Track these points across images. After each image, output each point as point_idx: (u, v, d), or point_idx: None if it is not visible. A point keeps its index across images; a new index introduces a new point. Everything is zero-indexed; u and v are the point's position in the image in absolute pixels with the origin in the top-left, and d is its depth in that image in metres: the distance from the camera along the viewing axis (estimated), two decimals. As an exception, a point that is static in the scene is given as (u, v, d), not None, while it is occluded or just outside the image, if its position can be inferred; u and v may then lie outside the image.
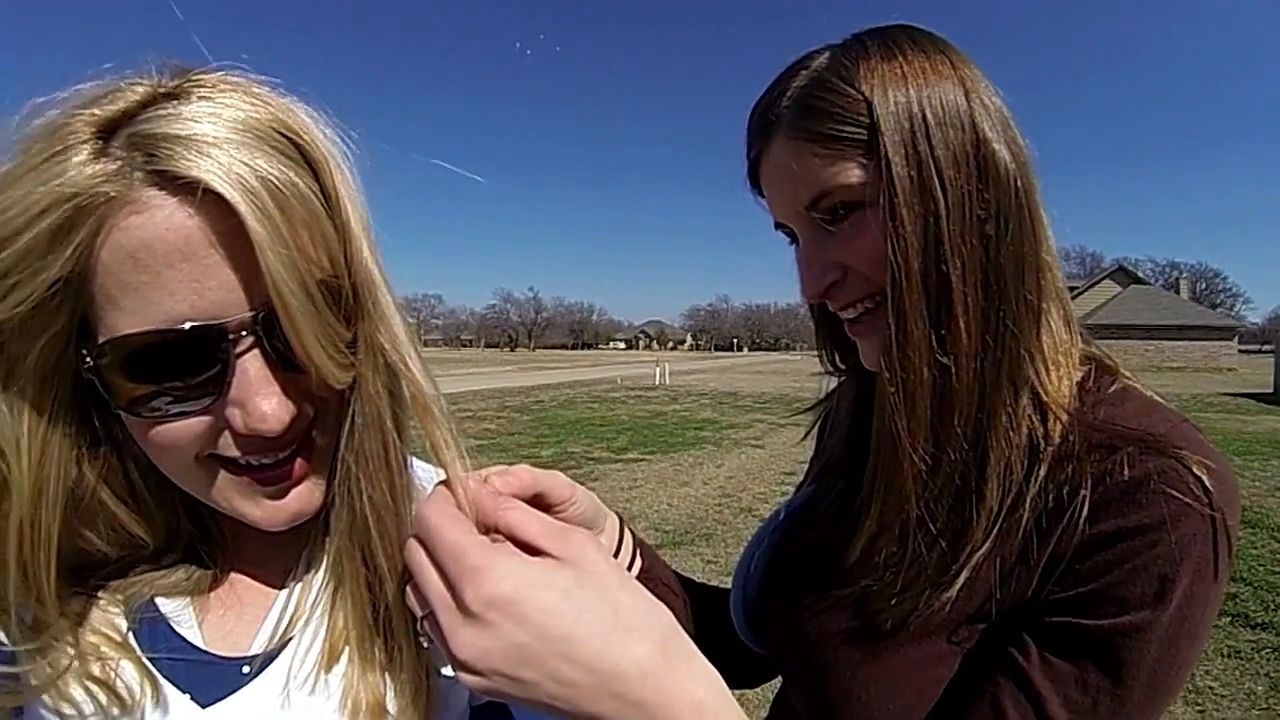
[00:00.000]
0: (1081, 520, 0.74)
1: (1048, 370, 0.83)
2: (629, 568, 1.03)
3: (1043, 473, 0.79)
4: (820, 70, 0.85)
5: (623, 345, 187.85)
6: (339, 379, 0.67)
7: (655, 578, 1.08)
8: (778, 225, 0.94)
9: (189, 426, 0.65)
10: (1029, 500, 0.78)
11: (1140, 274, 67.47)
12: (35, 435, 0.64)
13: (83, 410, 0.68)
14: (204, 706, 0.72)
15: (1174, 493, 0.71)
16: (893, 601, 0.83)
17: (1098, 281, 59.75)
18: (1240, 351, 57.96)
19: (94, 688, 0.69)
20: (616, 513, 1.03)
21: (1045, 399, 0.82)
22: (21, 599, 0.67)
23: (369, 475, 0.70)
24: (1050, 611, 0.75)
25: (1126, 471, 0.73)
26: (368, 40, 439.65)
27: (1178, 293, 62.74)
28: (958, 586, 0.80)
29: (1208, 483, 0.71)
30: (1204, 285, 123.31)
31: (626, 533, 1.03)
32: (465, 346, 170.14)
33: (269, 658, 0.75)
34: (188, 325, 0.61)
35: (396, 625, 0.74)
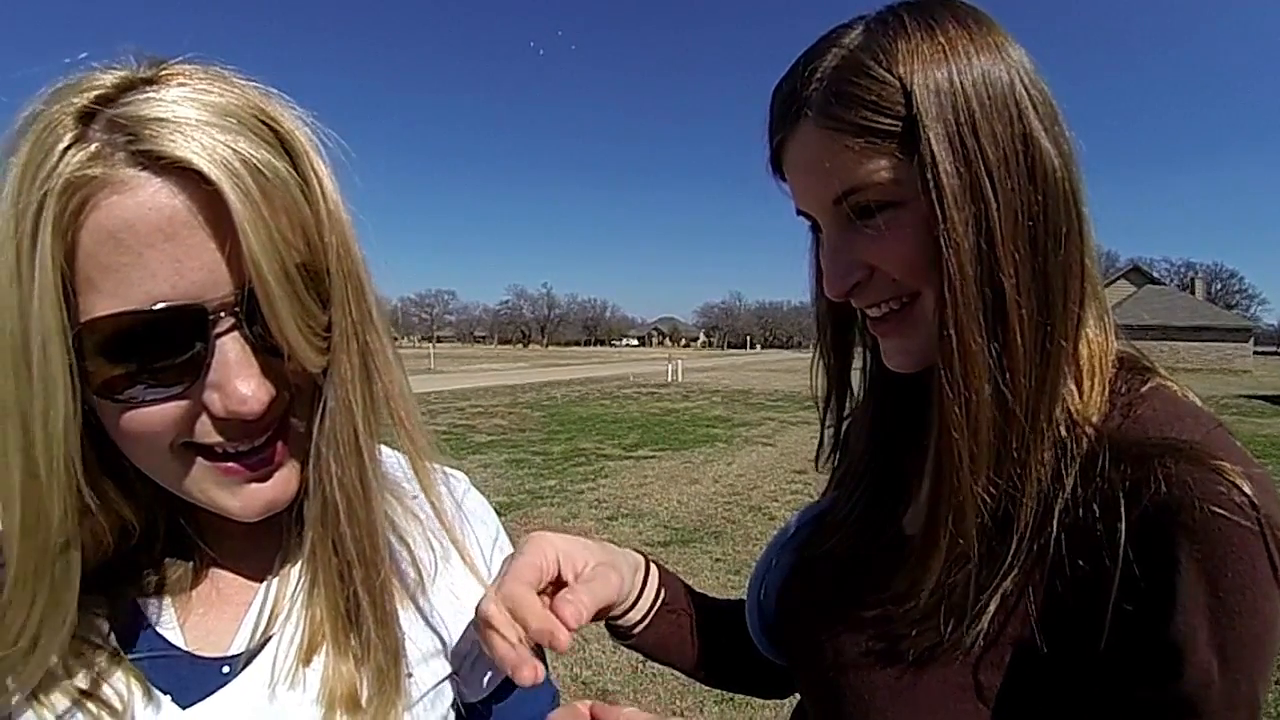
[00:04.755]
0: (1122, 543, 0.68)
1: (1081, 381, 0.78)
2: (652, 604, 1.03)
3: (1069, 485, 0.74)
4: (854, 50, 0.77)
5: (636, 342, 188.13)
6: (315, 362, 0.67)
7: (678, 609, 1.07)
8: (800, 212, 0.88)
9: (165, 412, 0.64)
10: (1056, 515, 0.73)
11: (1155, 274, 67.36)
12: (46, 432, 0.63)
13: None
14: (184, 707, 0.71)
15: (1222, 511, 0.65)
16: (913, 631, 0.79)
17: (1112, 281, 59.46)
18: (1255, 353, 57.58)
19: (75, 692, 0.68)
20: (641, 552, 1.04)
21: (1075, 412, 0.77)
22: (50, 613, 0.65)
23: (340, 460, 0.70)
24: (1121, 676, 0.69)
25: (1164, 486, 0.67)
26: (374, 39, 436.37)
27: (1193, 293, 62.28)
28: (987, 617, 0.75)
29: (1251, 494, 0.65)
30: (1219, 286, 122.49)
31: (653, 570, 1.04)
32: (478, 342, 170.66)
33: (250, 656, 0.74)
34: (168, 305, 0.60)
35: (366, 613, 0.74)
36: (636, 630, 1.02)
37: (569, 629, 0.74)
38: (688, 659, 1.09)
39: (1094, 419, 0.76)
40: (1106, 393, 0.79)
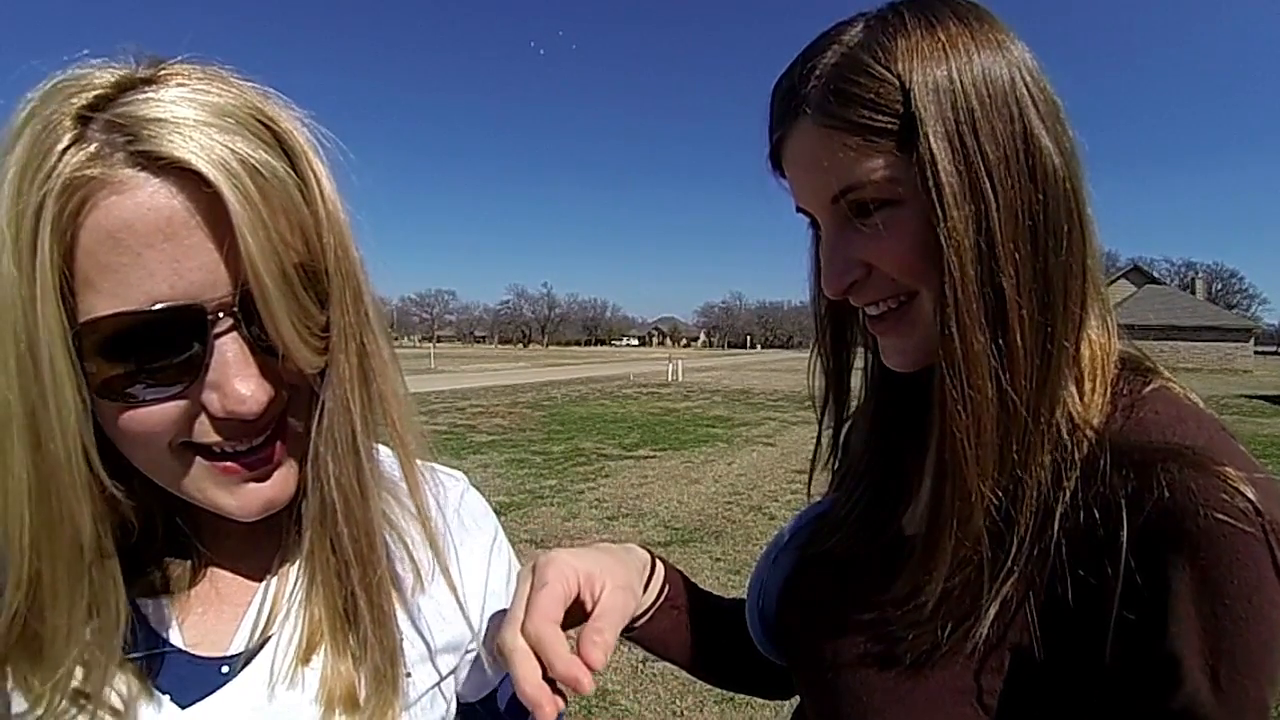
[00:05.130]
0: (1124, 551, 0.67)
1: (1082, 383, 0.77)
2: (655, 600, 1.03)
3: (1070, 488, 0.73)
4: (853, 48, 0.77)
5: (636, 342, 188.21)
6: (313, 363, 0.67)
7: (679, 605, 1.07)
8: (799, 209, 0.88)
9: (164, 412, 0.64)
10: (1057, 519, 0.72)
11: (1156, 274, 67.45)
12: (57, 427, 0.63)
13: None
14: (183, 707, 0.71)
15: (1225, 518, 0.64)
16: (910, 635, 0.78)
17: (1113, 281, 59.33)
18: (1256, 353, 57.53)
19: (74, 692, 0.68)
20: (647, 549, 1.05)
21: (1076, 415, 0.76)
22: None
23: (338, 459, 0.71)
24: (1125, 686, 0.68)
25: (1167, 493, 0.66)
26: (377, 38, 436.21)
27: (1193, 293, 62.33)
28: (987, 621, 0.74)
29: (1255, 499, 0.64)
30: (1220, 286, 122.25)
31: (658, 567, 1.05)
32: (479, 342, 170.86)
33: (249, 656, 0.75)
34: (166, 306, 0.60)
35: (363, 612, 0.75)
36: (637, 624, 1.02)
37: (594, 670, 0.72)
38: (688, 656, 1.09)
39: (1095, 421, 0.76)
40: (1108, 394, 0.78)
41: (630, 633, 1.03)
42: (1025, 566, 0.73)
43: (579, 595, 0.82)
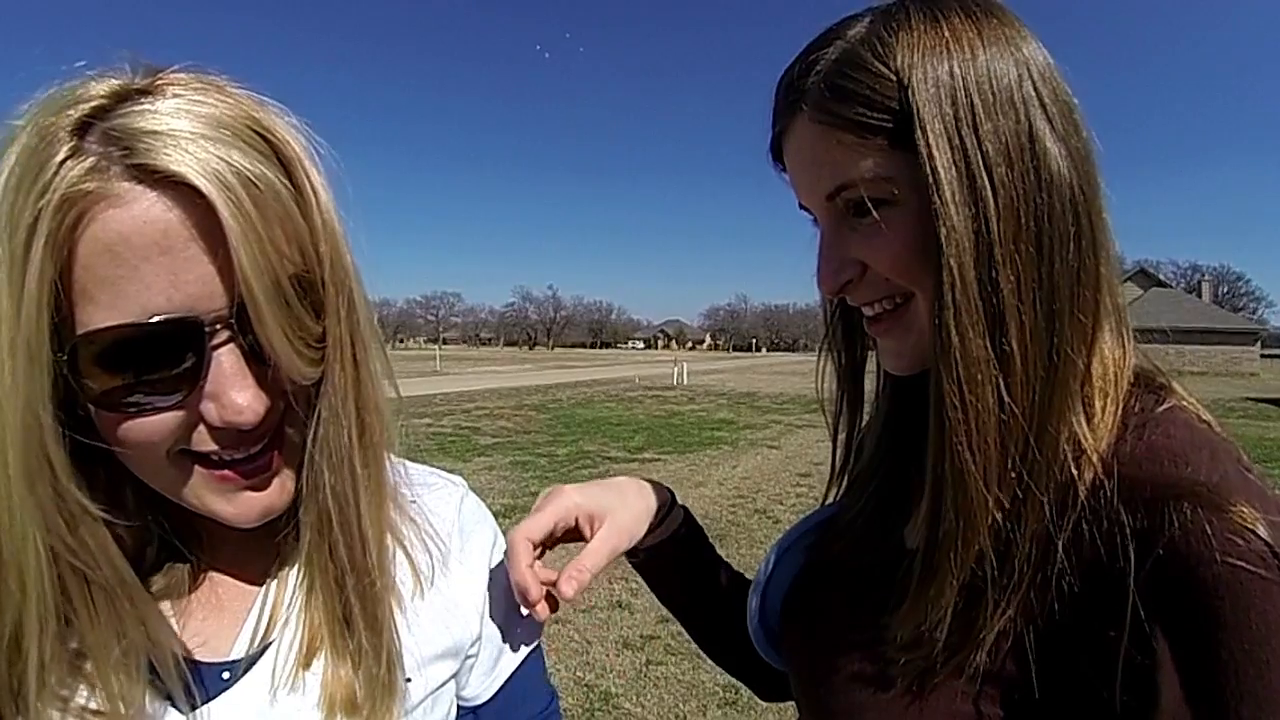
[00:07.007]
0: (1132, 592, 0.64)
1: (1092, 401, 0.75)
2: (659, 540, 1.08)
3: (1074, 516, 0.70)
4: (854, 43, 0.75)
5: (641, 345, 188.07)
6: (307, 374, 0.68)
7: (680, 556, 1.12)
8: (801, 206, 0.86)
9: (162, 421, 0.64)
10: (1060, 548, 0.69)
11: (1162, 276, 67.28)
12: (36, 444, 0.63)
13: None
14: (185, 713, 0.71)
15: (1241, 563, 0.61)
16: (903, 659, 0.76)
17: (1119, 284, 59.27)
18: (1262, 356, 57.35)
19: (75, 700, 0.68)
20: (669, 491, 1.14)
21: (1083, 438, 0.72)
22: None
23: (333, 468, 0.72)
24: None
25: (1180, 534, 0.63)
26: (381, 40, 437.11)
27: (1199, 296, 62.47)
28: (983, 650, 0.71)
29: (1270, 540, 0.62)
30: (1226, 289, 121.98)
31: (676, 513, 1.12)
32: (484, 345, 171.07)
33: (250, 661, 0.75)
34: (164, 318, 0.61)
35: (362, 618, 0.75)
36: (639, 556, 1.08)
37: (566, 598, 0.90)
38: (683, 608, 1.17)
39: (1103, 445, 0.73)
40: (1119, 412, 0.75)
41: (634, 558, 1.09)
42: (1025, 594, 0.71)
43: (578, 525, 0.98)
